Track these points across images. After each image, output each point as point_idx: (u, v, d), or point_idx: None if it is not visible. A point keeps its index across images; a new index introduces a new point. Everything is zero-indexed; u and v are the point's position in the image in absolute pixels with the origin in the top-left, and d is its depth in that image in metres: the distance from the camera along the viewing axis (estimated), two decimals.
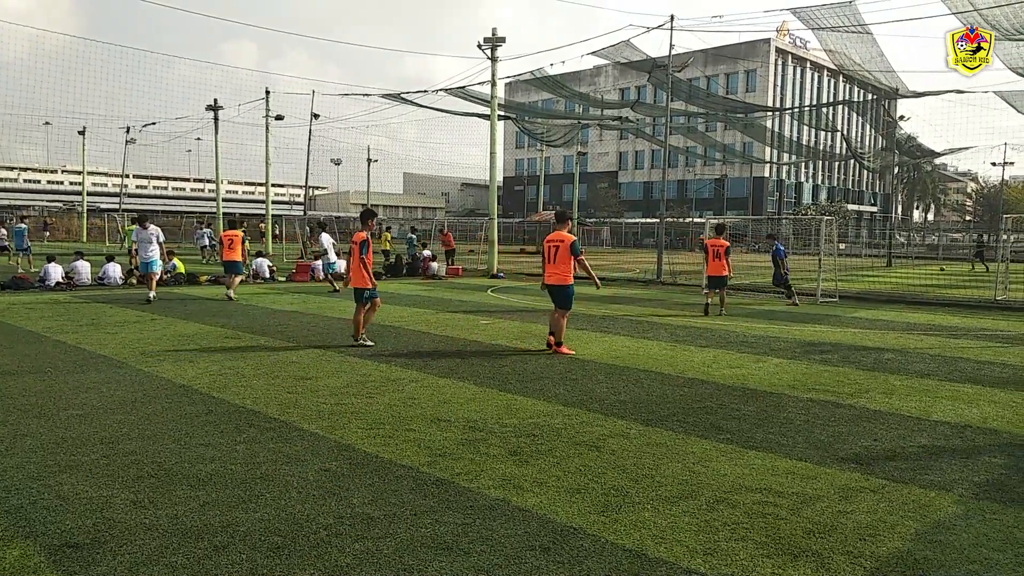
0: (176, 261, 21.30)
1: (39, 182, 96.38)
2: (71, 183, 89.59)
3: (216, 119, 39.51)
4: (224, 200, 46.48)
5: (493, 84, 25.97)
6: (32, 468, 4.81)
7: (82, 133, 56.93)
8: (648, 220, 39.25)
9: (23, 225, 26.12)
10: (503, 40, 25.12)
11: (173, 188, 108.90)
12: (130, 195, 75.32)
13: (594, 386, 7.63)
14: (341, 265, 18.91)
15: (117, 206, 60.25)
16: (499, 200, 34.19)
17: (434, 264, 25.16)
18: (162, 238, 16.02)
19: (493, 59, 25.25)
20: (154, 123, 50.90)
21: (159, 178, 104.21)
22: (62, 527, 3.90)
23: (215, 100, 39.13)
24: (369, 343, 10.03)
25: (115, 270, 19.60)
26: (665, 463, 5.14)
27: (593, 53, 26.70)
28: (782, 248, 17.46)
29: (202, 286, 19.86)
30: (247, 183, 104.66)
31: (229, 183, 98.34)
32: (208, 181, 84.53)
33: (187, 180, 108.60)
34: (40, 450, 5.20)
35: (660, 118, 34.10)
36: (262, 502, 4.30)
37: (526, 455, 5.28)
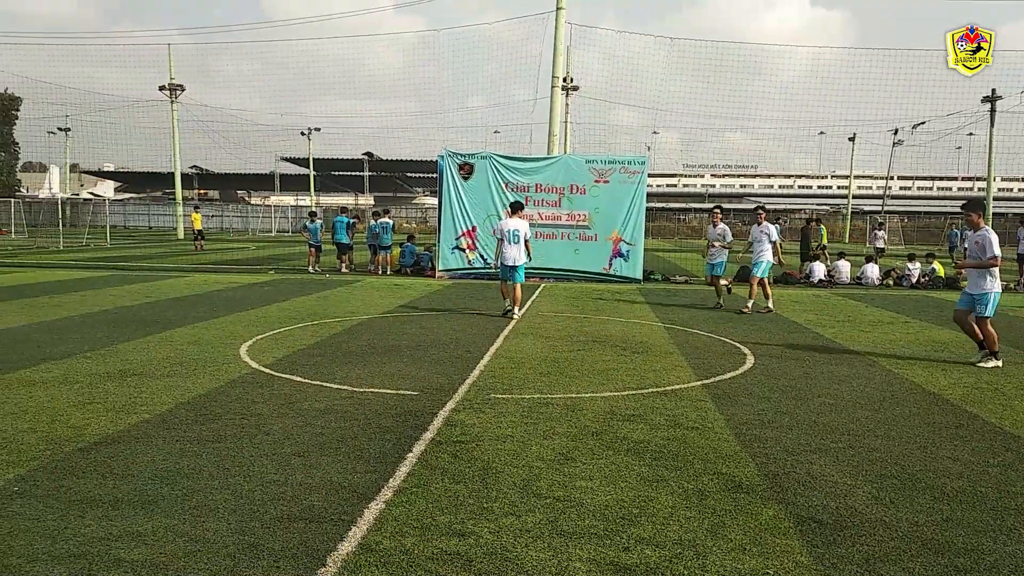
0: (936, 264, 20.61)
1: (811, 187, 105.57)
2: (839, 187, 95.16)
3: (992, 111, 36.04)
4: (995, 199, 42.10)
5: None
6: (787, 443, 5.43)
7: (852, 139, 59.85)
8: None
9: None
10: None
11: (938, 188, 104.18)
12: (893, 196, 75.48)
13: None
14: None
15: (880, 208, 61.27)
16: None
17: None
18: (774, 237, 13.34)
19: None
20: (923, 122, 49.49)
21: (923, 178, 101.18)
22: (809, 502, 4.29)
23: (992, 91, 35.68)
24: None
25: (873, 271, 20.11)
26: None
27: None
28: None
29: None
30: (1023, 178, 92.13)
31: (1002, 179, 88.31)
32: (979, 179, 77.84)
33: (954, 179, 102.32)
34: (795, 428, 5.81)
35: None
36: (1015, 536, 3.85)
37: None
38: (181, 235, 47.12)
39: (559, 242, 18.97)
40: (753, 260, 13.58)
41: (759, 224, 13.56)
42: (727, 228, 14.20)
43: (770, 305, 13.36)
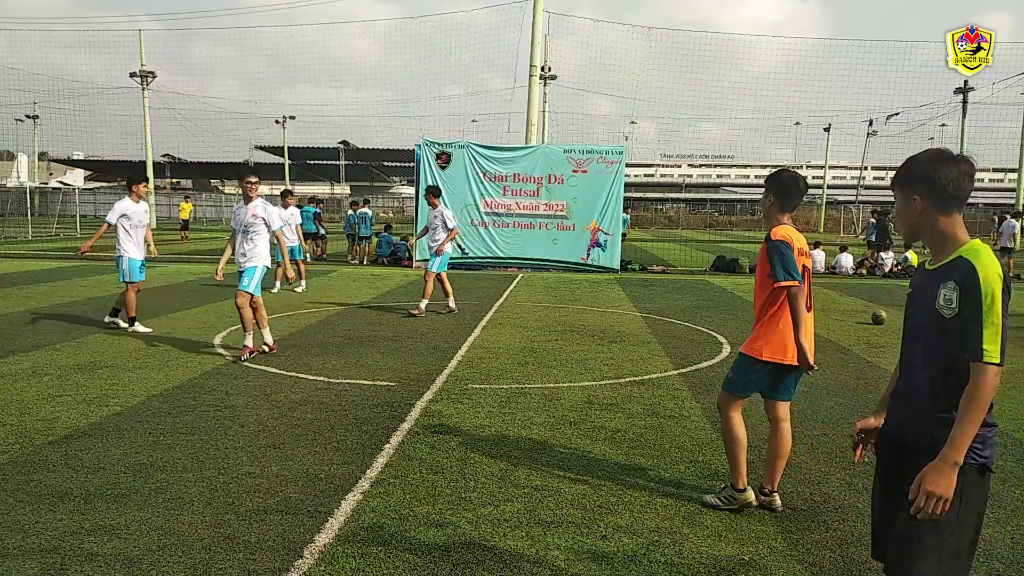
0: (909, 254, 20.92)
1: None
2: (814, 177, 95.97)
3: (964, 103, 36.58)
4: None
5: None
6: (763, 431, 5.45)
7: (827, 130, 60.44)
8: None
9: None
10: None
11: None
12: (867, 187, 76.33)
13: None
14: None
15: (854, 198, 62.00)
16: None
17: None
18: (451, 224, 11.17)
19: None
20: (897, 113, 50.04)
21: (896, 168, 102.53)
22: (784, 489, 4.32)
23: (965, 82, 36.16)
24: None
25: (847, 260, 20.36)
26: None
27: None
28: None
29: None
30: (994, 169, 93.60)
31: None
32: None
33: None
34: None
35: None
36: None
37: None
38: (153, 224, 46.41)
39: (537, 232, 18.98)
40: (429, 252, 11.40)
41: (433, 208, 11.27)
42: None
43: (451, 304, 11.34)
